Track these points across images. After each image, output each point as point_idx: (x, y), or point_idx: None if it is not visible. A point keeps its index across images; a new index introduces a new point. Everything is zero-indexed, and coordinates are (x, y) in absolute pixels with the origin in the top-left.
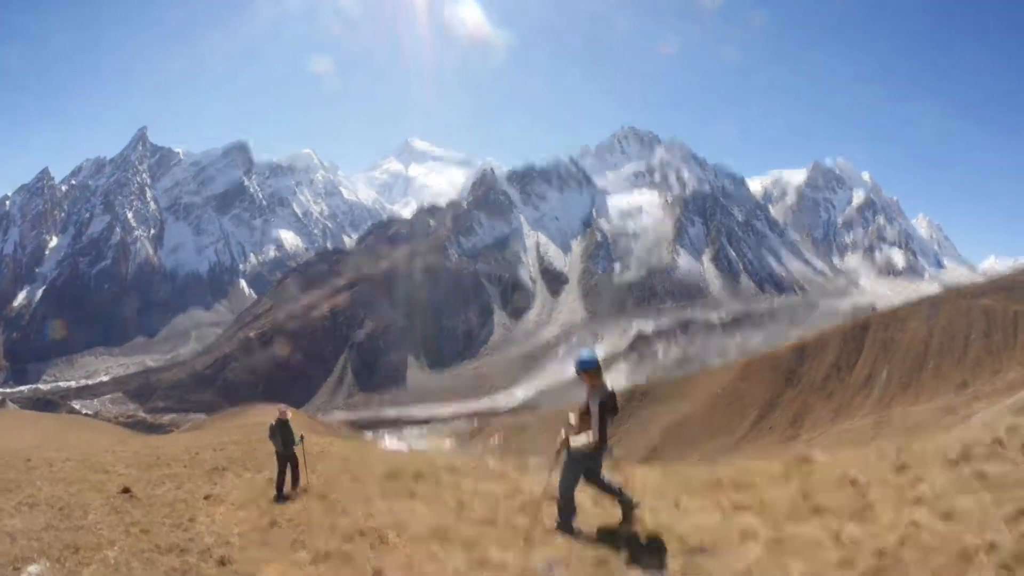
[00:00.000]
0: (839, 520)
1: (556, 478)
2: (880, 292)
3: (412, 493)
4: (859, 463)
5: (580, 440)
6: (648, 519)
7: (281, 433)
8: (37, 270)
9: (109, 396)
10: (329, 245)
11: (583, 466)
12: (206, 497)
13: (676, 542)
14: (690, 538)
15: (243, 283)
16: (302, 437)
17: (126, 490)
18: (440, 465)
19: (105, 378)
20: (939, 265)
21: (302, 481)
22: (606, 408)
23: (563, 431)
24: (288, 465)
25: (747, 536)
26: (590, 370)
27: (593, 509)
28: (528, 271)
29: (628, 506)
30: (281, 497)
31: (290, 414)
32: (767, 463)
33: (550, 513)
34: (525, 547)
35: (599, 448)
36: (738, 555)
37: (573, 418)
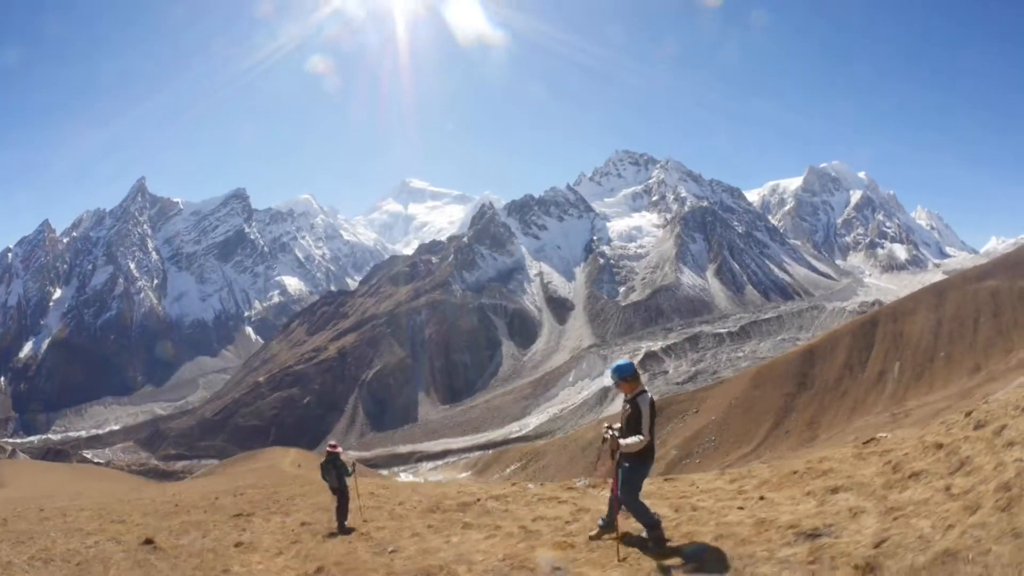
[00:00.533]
0: (941, 479)
1: (604, 468)
2: (886, 288)
3: (465, 524)
4: (933, 432)
5: (631, 441)
6: (743, 516)
7: (334, 467)
8: (42, 321)
9: (120, 445)
10: (333, 287)
11: (640, 473)
12: (236, 544)
13: (787, 530)
14: (801, 524)
15: (249, 329)
16: (355, 466)
17: (148, 541)
18: (481, 493)
19: (115, 427)
20: (942, 254)
21: (350, 519)
22: (654, 407)
23: (608, 429)
24: (340, 500)
25: (857, 512)
26: (628, 377)
27: (674, 515)
28: (533, 301)
29: (658, 541)
30: (344, 529)
31: (340, 448)
32: (836, 449)
33: (634, 527)
34: (624, 566)
35: (649, 451)
36: (858, 530)
37: (611, 432)
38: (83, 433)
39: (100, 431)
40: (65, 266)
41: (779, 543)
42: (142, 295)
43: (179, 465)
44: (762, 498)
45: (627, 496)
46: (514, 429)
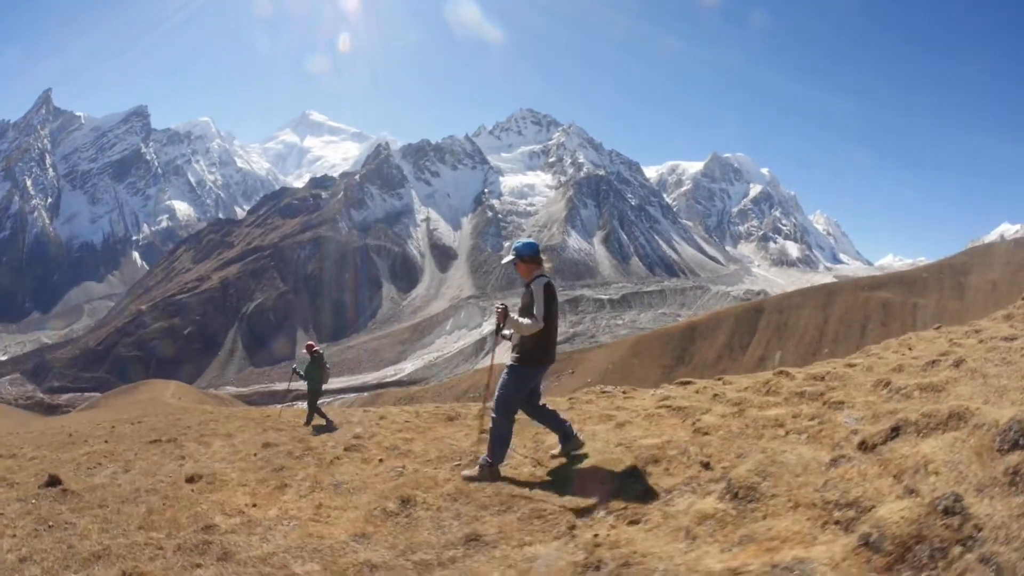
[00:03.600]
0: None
1: (494, 377)
2: (773, 280)
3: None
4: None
5: (523, 323)
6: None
7: (322, 365)
8: None
9: (8, 377)
10: (221, 215)
11: (524, 374)
12: (190, 480)
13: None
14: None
15: (136, 254)
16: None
17: (53, 481)
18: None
19: (3, 357)
20: (836, 260)
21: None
22: (551, 290)
23: (500, 305)
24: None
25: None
26: (527, 256)
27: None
28: (417, 246)
29: (571, 446)
30: (310, 423)
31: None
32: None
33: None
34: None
35: (541, 348)
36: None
37: (508, 333)
38: None
39: None
40: None
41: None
42: (35, 215)
43: (64, 398)
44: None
45: (498, 398)
46: (389, 373)
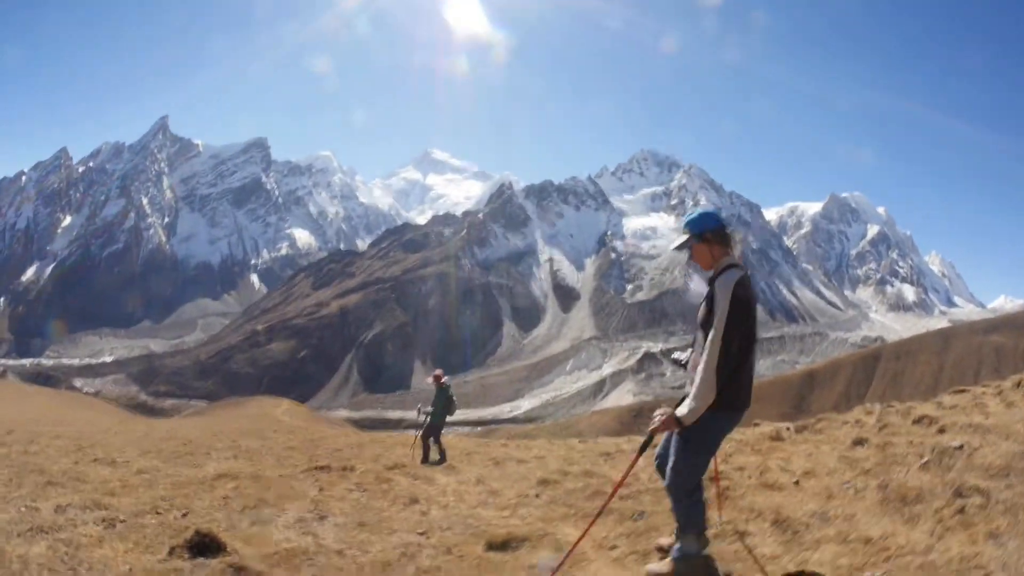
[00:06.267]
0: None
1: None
2: (890, 326)
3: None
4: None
5: (693, 401)
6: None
7: (449, 397)
8: (48, 247)
9: (112, 377)
10: (342, 246)
11: (723, 429)
12: (497, 545)
13: None
14: None
15: (254, 277)
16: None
17: (205, 543)
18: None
19: (109, 359)
20: (950, 302)
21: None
22: (746, 294)
23: (660, 411)
24: (432, 437)
25: None
26: (708, 232)
27: None
28: (540, 286)
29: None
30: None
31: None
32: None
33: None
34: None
35: (736, 386)
36: None
37: (683, 356)
38: (76, 361)
39: (93, 361)
40: (78, 194)
41: None
42: (151, 231)
43: (168, 403)
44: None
45: (680, 461)
46: (505, 410)
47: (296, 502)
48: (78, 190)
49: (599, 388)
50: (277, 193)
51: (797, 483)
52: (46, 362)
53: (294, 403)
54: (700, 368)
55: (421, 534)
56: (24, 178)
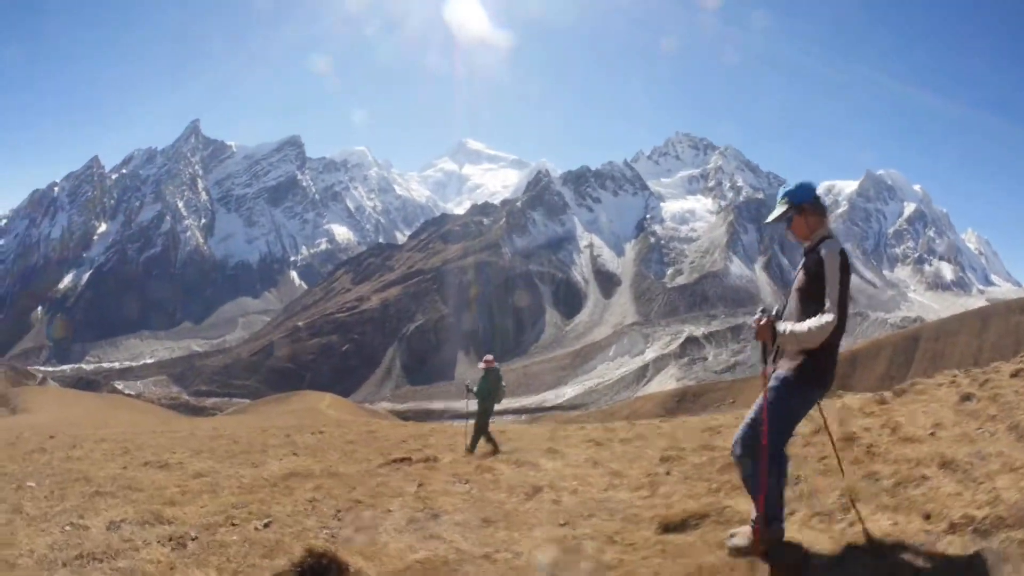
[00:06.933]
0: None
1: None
2: (928, 305)
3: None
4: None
5: (809, 331)
6: None
7: (498, 380)
8: (84, 255)
9: (152, 378)
10: (381, 240)
11: (803, 396)
12: None
13: None
14: None
15: (294, 274)
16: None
17: (322, 566)
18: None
19: (149, 360)
20: (987, 281)
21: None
22: (847, 263)
23: (759, 313)
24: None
25: None
26: (806, 204)
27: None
28: (581, 272)
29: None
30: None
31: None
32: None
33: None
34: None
35: (826, 355)
36: None
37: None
38: (116, 364)
39: (134, 363)
40: (112, 201)
41: None
42: (188, 233)
43: (209, 402)
44: None
45: (773, 435)
46: (549, 397)
47: (395, 500)
48: (112, 197)
49: (642, 374)
50: (313, 190)
51: (933, 434)
52: (86, 367)
53: (337, 397)
54: (814, 319)
55: (563, 525)
56: (56, 188)
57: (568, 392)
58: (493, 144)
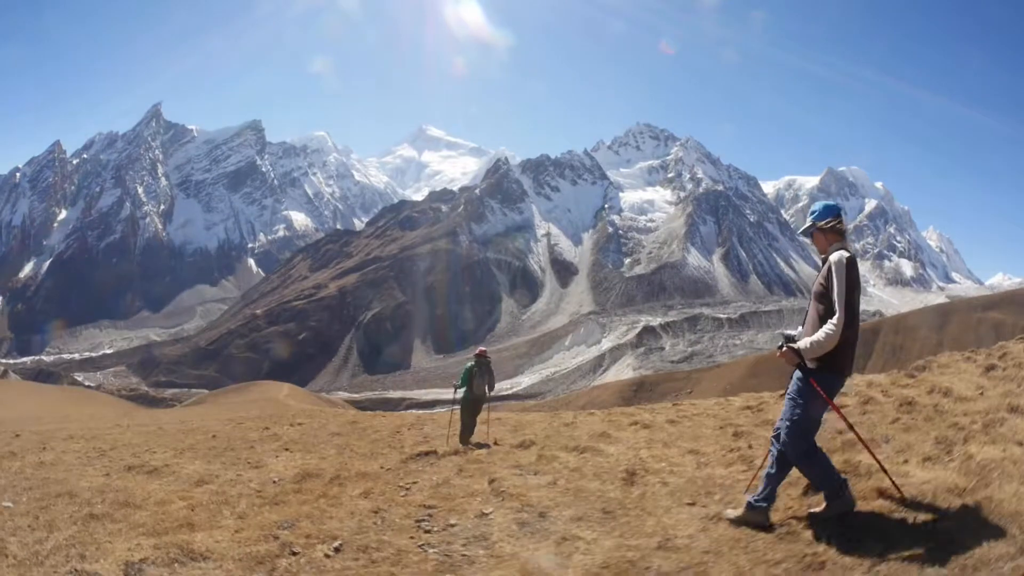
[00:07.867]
0: None
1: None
2: (888, 300)
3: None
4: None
5: (820, 341)
6: None
7: (488, 370)
8: (45, 242)
9: (112, 369)
10: (339, 226)
11: (833, 392)
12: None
13: None
14: None
15: (251, 261)
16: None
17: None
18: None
19: (108, 351)
20: (948, 279)
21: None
22: (855, 270)
23: (780, 342)
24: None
25: None
26: (825, 224)
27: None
28: (538, 261)
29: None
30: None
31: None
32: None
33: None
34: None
35: (844, 349)
36: None
37: (795, 332)
38: (76, 355)
39: (93, 354)
40: (73, 187)
41: None
42: (147, 220)
43: (168, 392)
44: None
45: (794, 424)
46: (505, 387)
47: (474, 501)
48: (72, 183)
49: (599, 363)
50: (272, 175)
51: (982, 394)
52: (46, 359)
53: (295, 387)
54: (826, 324)
55: (691, 505)
56: (19, 174)
57: (524, 381)
58: (453, 131)
